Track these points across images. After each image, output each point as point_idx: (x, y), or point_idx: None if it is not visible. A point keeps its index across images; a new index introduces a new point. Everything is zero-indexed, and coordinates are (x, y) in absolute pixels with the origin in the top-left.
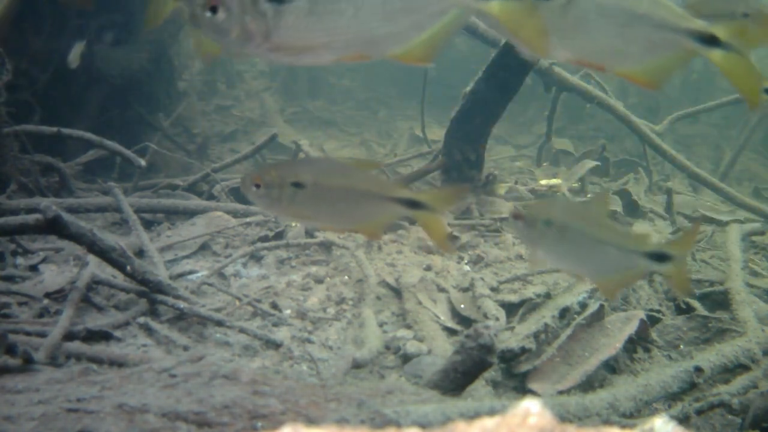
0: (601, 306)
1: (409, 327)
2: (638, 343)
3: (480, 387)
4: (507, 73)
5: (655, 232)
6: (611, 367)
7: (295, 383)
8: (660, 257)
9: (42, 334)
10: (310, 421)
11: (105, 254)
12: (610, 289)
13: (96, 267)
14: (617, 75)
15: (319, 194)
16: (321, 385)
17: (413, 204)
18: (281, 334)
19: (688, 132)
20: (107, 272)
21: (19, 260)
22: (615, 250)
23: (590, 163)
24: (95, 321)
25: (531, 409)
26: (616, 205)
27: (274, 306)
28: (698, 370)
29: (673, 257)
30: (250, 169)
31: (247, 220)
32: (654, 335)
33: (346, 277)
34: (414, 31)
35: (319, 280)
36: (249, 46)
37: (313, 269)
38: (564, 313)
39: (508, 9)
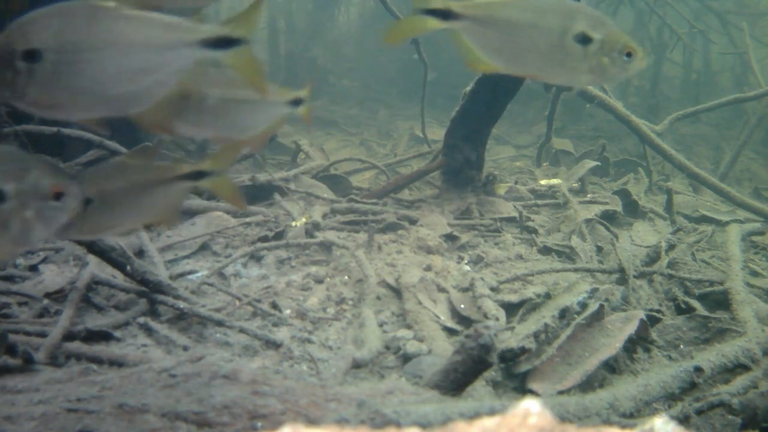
0: (601, 306)
1: (409, 327)
2: (638, 343)
3: (480, 387)
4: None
5: (655, 232)
6: (611, 367)
7: (295, 383)
8: (297, 102)
9: (42, 334)
10: (310, 421)
11: (105, 254)
12: (260, 141)
13: (96, 267)
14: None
15: (108, 202)
16: (321, 385)
17: (197, 175)
18: (281, 334)
19: (688, 132)
20: (107, 272)
21: (19, 260)
22: (261, 105)
23: (590, 163)
24: (95, 321)
25: (531, 409)
26: (616, 205)
27: (274, 306)
28: (698, 370)
29: (303, 100)
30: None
31: (247, 220)
32: (654, 335)
33: (346, 277)
34: (157, 88)
35: (319, 280)
36: (11, 97)
37: (313, 269)
38: (564, 313)
39: (238, 58)
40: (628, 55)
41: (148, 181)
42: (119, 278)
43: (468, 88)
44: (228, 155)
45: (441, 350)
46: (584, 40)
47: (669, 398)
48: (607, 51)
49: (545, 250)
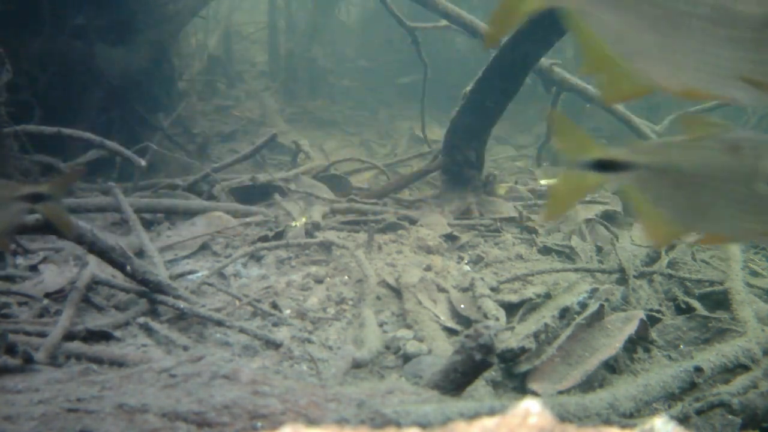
0: (601, 306)
1: (409, 327)
2: (638, 343)
3: (480, 387)
4: (507, 73)
5: None
6: (611, 367)
7: (295, 383)
8: (36, 198)
9: (42, 334)
10: (310, 421)
11: (105, 254)
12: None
13: (96, 267)
14: None
15: None
16: (321, 385)
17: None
18: (281, 334)
19: None
20: (107, 272)
21: (19, 260)
22: None
23: None
24: (95, 321)
25: (531, 409)
26: (616, 205)
27: (274, 306)
28: (698, 370)
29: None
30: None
31: (247, 220)
32: (654, 335)
33: (346, 277)
34: None
35: (319, 280)
36: None
37: (313, 269)
38: (564, 313)
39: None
40: None
41: None
42: (119, 278)
43: (468, 88)
44: (65, 182)
45: (441, 350)
46: None
47: (669, 398)
48: None
49: (545, 250)
